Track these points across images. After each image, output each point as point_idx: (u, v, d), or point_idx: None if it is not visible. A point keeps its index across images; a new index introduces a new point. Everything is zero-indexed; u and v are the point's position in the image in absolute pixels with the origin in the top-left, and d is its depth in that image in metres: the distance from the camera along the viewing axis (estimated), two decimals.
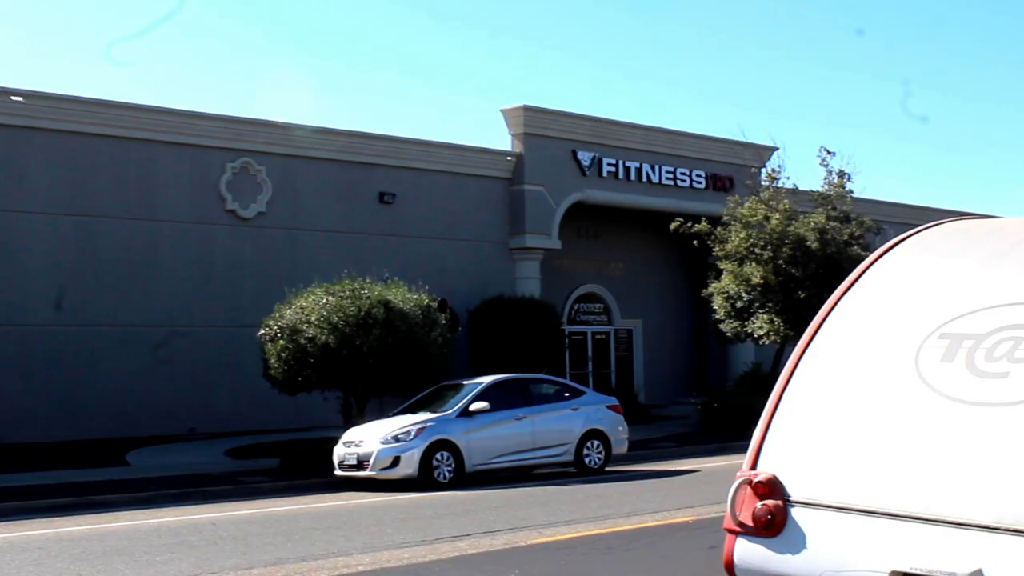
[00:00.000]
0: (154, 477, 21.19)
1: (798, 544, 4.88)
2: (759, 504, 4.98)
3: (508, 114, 33.65)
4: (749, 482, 5.08)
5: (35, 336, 25.60)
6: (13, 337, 25.25)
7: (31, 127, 25.88)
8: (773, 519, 4.94)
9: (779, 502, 4.97)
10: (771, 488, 5.01)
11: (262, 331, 23.24)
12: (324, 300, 22.90)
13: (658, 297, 38.97)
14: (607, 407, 22.96)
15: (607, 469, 22.01)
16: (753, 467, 5.16)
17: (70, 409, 25.66)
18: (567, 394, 22.79)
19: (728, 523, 5.11)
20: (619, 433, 22.63)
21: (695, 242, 30.27)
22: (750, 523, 5.01)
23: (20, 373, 25.20)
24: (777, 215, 29.41)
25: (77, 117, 26.46)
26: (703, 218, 30.47)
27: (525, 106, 33.48)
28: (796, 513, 4.94)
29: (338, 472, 20.85)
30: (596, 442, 22.15)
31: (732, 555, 5.09)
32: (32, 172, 25.93)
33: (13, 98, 25.77)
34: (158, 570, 11.56)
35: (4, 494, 18.84)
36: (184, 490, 19.64)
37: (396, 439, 20.26)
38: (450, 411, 21.06)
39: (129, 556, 12.78)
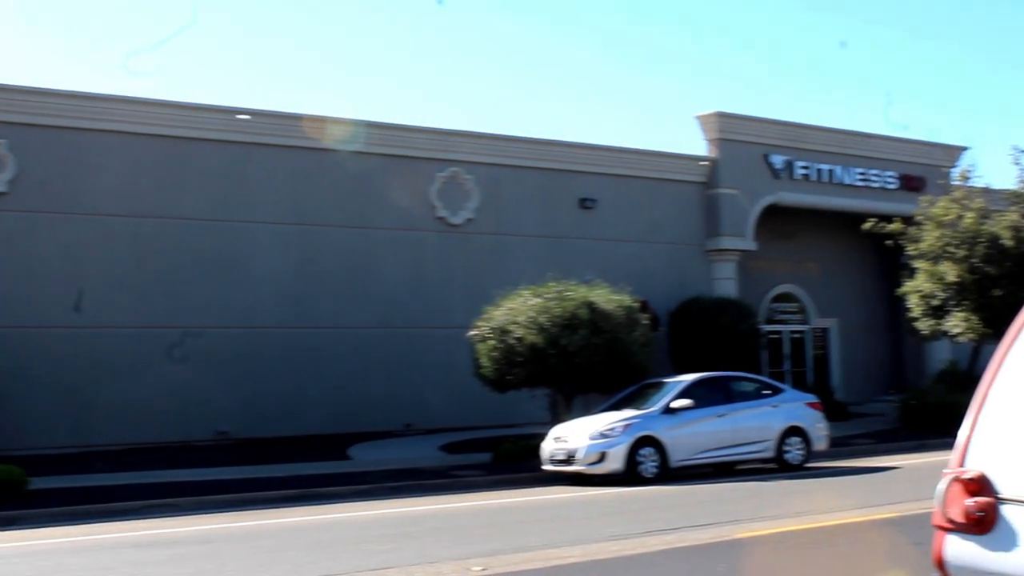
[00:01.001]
0: (374, 471, 21.69)
1: (1010, 542, 4.75)
2: (969, 501, 4.87)
3: (703, 120, 33.51)
4: (958, 479, 4.96)
5: (263, 338, 26.51)
6: (243, 340, 26.24)
7: (256, 143, 26.90)
8: (984, 517, 4.82)
9: (990, 499, 4.85)
10: (981, 485, 4.89)
11: (473, 332, 23.65)
12: (531, 302, 23.18)
13: (853, 296, 38.14)
14: (807, 404, 22.58)
15: (807, 465, 21.65)
16: (961, 464, 5.04)
17: (295, 406, 26.50)
18: (766, 391, 22.49)
19: (938, 520, 5.00)
20: (819, 430, 22.22)
21: (888, 242, 29.60)
22: (961, 520, 4.89)
23: (251, 373, 26.17)
24: (971, 214, 28.56)
25: (299, 133, 27.35)
26: (895, 218, 29.84)
27: (719, 112, 33.30)
28: (1007, 510, 4.81)
29: (546, 467, 21.02)
30: (796, 438, 21.78)
31: (943, 552, 4.99)
32: (257, 185, 26.88)
33: (239, 116, 26.85)
34: (383, 559, 11.83)
35: (236, 486, 19.58)
36: (402, 483, 20.07)
37: (603, 435, 20.32)
38: (654, 408, 21.01)
39: (355, 546, 13.14)
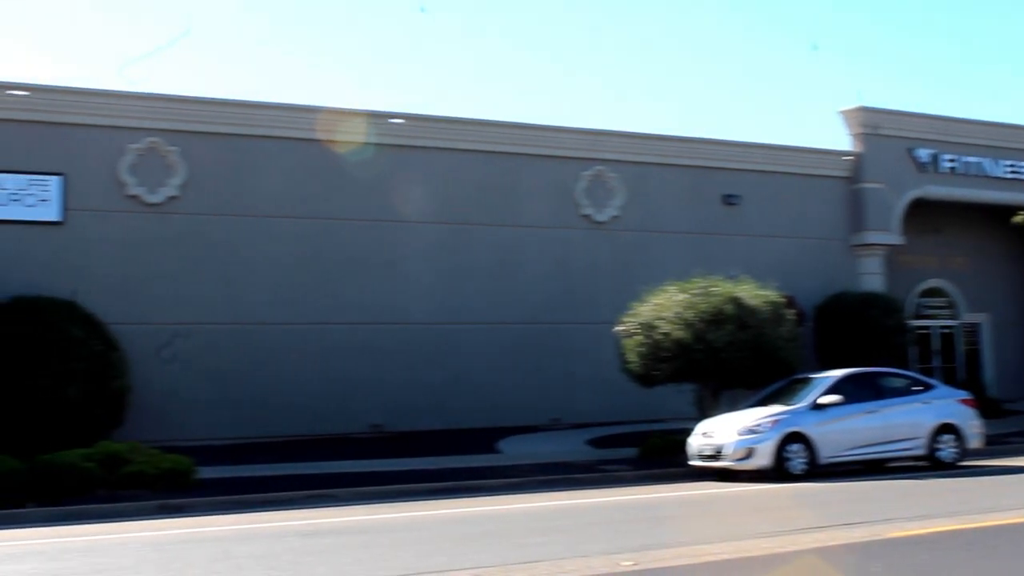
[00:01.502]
0: (523, 464, 21.61)
1: None
2: None
3: (847, 115, 32.74)
4: None
5: (415, 334, 26.70)
6: (397, 335, 26.45)
7: (409, 146, 27.07)
8: None
9: None
10: None
11: (620, 327, 23.39)
12: (677, 297, 22.81)
13: (1005, 290, 36.72)
14: (959, 401, 21.74)
15: (961, 464, 20.81)
16: None
17: (445, 400, 26.59)
18: (917, 388, 21.71)
19: None
20: (972, 427, 21.35)
21: None
22: None
23: (403, 368, 26.35)
24: None
25: (449, 135, 27.51)
26: None
27: (863, 107, 32.55)
28: None
29: (693, 462, 20.66)
30: (949, 436, 20.95)
31: None
32: (410, 187, 27.05)
33: (392, 121, 27.06)
34: (534, 552, 11.68)
35: (391, 477, 19.71)
36: (550, 477, 19.92)
37: (750, 431, 19.87)
38: (802, 404, 20.47)
39: (505, 539, 13.01)
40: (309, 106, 26.51)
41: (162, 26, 65.69)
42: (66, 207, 23.70)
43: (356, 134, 26.37)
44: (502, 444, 24.98)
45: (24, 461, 17.71)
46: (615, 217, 29.36)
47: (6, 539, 14.08)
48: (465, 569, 10.70)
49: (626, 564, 10.67)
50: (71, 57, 67.03)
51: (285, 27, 69.17)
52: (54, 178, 23.65)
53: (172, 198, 24.65)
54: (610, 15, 73.43)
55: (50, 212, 23.62)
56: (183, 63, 64.86)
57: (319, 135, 25.99)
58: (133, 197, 24.36)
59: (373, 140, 26.57)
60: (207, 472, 19.10)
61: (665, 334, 22.32)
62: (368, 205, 26.57)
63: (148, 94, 25.11)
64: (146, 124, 24.55)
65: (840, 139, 32.96)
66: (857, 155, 32.57)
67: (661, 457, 22.31)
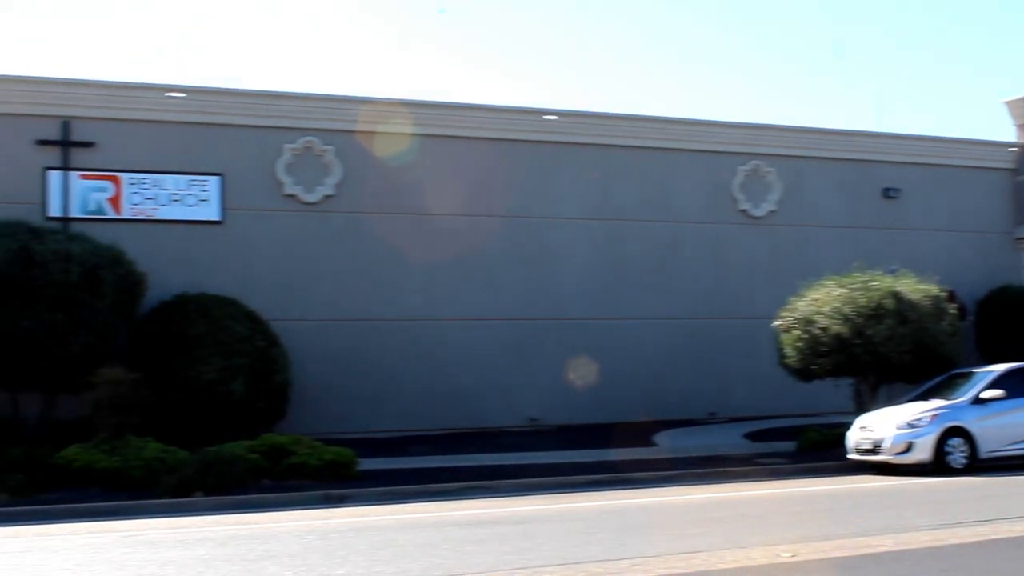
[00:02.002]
0: (680, 458, 21.68)
1: None
2: None
3: (1011, 105, 31.93)
4: None
5: (571, 329, 26.98)
6: (553, 330, 26.81)
7: (563, 143, 27.38)
8: None
9: None
10: None
11: (778, 322, 23.35)
12: (836, 292, 22.67)
13: None
14: None
15: None
16: None
17: (601, 394, 26.75)
18: None
19: None
20: None
21: None
22: None
23: (560, 362, 26.55)
24: None
25: (603, 131, 27.74)
26: None
27: None
28: None
29: (851, 456, 20.53)
30: None
31: None
32: (565, 183, 27.40)
33: (546, 118, 27.42)
34: (692, 543, 11.80)
35: (548, 470, 20.00)
36: (708, 470, 20.03)
37: (910, 425, 19.70)
38: (963, 399, 20.20)
39: (663, 529, 13.18)
40: (462, 104, 27.14)
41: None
42: (225, 206, 24.64)
43: (512, 131, 26.82)
44: (658, 437, 25.09)
45: (192, 452, 18.51)
46: (772, 212, 29.25)
47: (178, 526, 14.79)
48: (625, 559, 10.89)
49: (785, 555, 10.75)
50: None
51: (424, 26, 70.25)
52: (213, 178, 24.61)
53: (328, 197, 25.39)
54: (741, 10, 72.63)
55: (210, 212, 24.61)
56: (316, 62, 66.35)
57: (472, 132, 26.52)
58: (290, 196, 25.18)
59: (526, 137, 27.00)
60: (368, 464, 19.64)
61: (823, 329, 22.22)
62: (522, 201, 26.97)
63: (303, 94, 25.87)
64: (302, 124, 25.33)
65: (1007, 130, 32.08)
66: (1022, 146, 31.76)
67: (819, 451, 22.20)
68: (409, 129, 26.04)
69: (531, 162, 27.10)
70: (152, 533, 14.04)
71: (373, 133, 25.75)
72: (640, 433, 25.11)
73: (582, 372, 26.44)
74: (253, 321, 23.05)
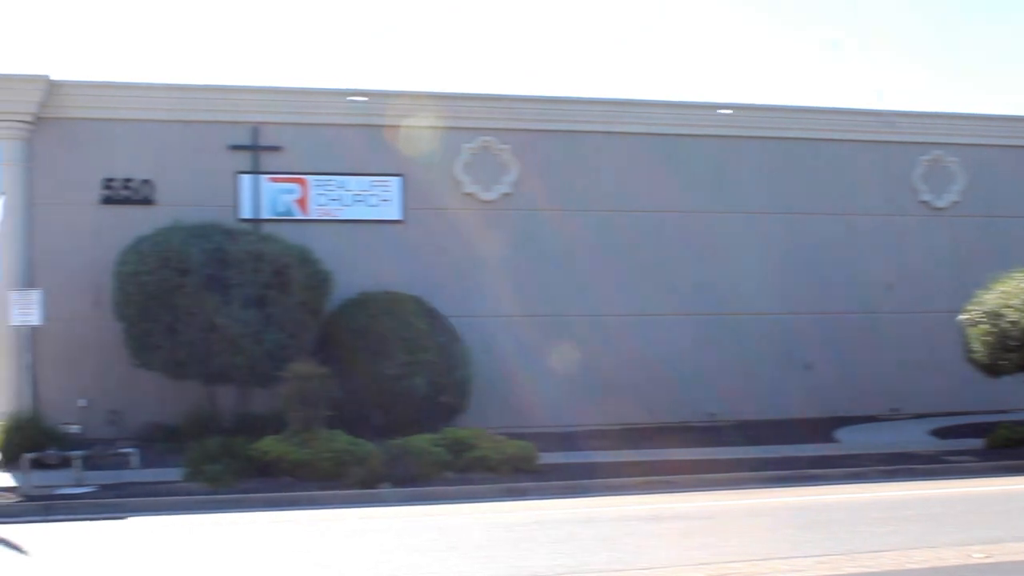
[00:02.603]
0: (863, 454, 21.23)
1: None
2: None
3: None
4: None
5: (749, 324, 26.70)
6: (731, 325, 26.56)
7: (737, 136, 27.08)
8: None
9: None
10: None
11: (963, 316, 22.68)
12: None
13: None
14: None
15: None
16: None
17: (780, 389, 26.43)
18: None
19: None
20: None
21: None
22: None
23: (738, 357, 26.42)
24: None
25: (778, 124, 27.30)
26: None
27: None
28: None
29: None
30: None
31: None
32: (740, 177, 27.12)
33: (720, 111, 27.17)
34: (880, 541, 11.66)
35: (729, 465, 19.80)
36: (893, 467, 19.56)
37: None
38: None
39: (850, 527, 13.00)
40: (636, 100, 27.13)
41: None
42: (406, 206, 25.09)
43: (686, 126, 26.68)
44: (839, 433, 24.61)
45: (378, 445, 18.94)
46: (955, 203, 28.37)
47: (367, 516, 15.24)
48: (811, 556, 10.82)
49: (978, 556, 10.51)
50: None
51: (593, 21, 70.25)
52: (394, 179, 25.08)
53: (505, 195, 25.66)
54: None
55: (392, 211, 25.11)
56: (487, 63, 66.97)
57: (650, 128, 26.43)
58: (469, 195, 25.51)
59: (701, 132, 26.82)
60: (548, 458, 19.81)
61: (1013, 323, 21.46)
62: (698, 197, 26.78)
63: (480, 95, 26.22)
64: (479, 124, 25.60)
65: None
66: None
67: (1011, 448, 21.46)
68: (584, 127, 26.15)
69: (706, 157, 26.90)
70: (342, 523, 14.48)
71: (548, 131, 25.93)
72: (821, 429, 24.70)
73: (756, 366, 26.21)
74: (434, 318, 23.49)
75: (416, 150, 25.18)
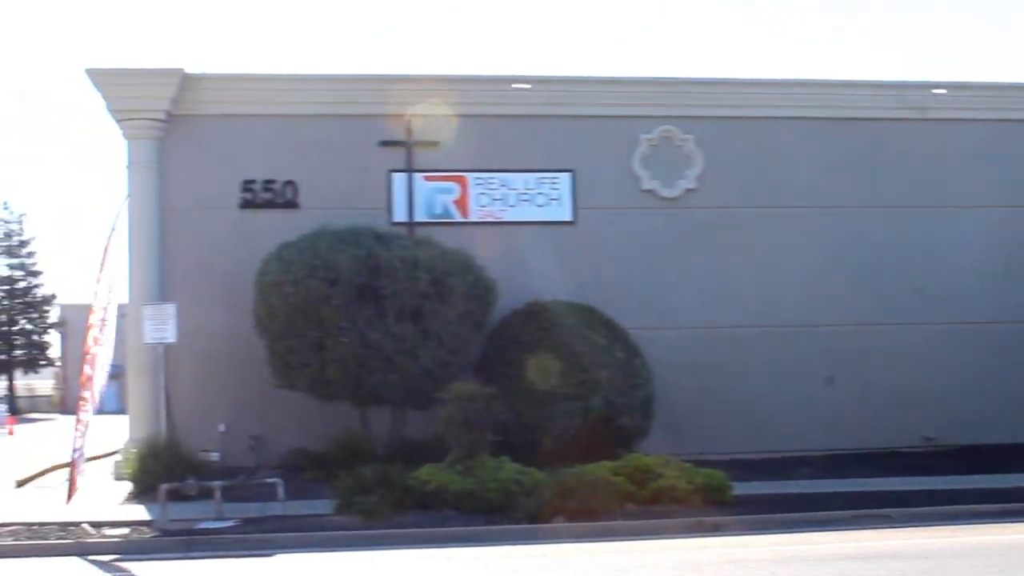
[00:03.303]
0: None
1: None
2: None
3: None
4: None
5: (970, 335, 26.19)
6: (953, 335, 26.13)
7: (953, 119, 26.64)
8: None
9: None
10: None
11: None
12: None
13: None
14: None
15: None
16: None
17: (1009, 410, 25.83)
18: None
19: None
20: None
21: None
22: None
23: (958, 373, 25.96)
24: None
25: (1000, 104, 26.77)
26: None
27: None
28: None
29: None
30: None
31: None
32: (955, 166, 26.67)
33: (935, 91, 26.67)
34: None
35: (948, 496, 19.19)
36: None
37: None
38: None
39: None
40: (839, 80, 26.85)
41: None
42: (577, 205, 25.30)
43: (895, 109, 26.24)
44: None
45: (550, 474, 18.97)
46: None
47: (538, 554, 15.21)
48: None
49: None
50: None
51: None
52: (564, 175, 25.33)
53: (689, 191, 25.65)
54: None
55: (562, 211, 25.36)
56: (667, 46, 66.71)
57: (853, 113, 26.17)
58: (648, 192, 25.59)
59: (906, 115, 26.38)
60: (742, 488, 19.56)
61: None
62: (906, 189, 26.34)
63: (660, 79, 26.25)
64: (659, 111, 25.65)
65: None
66: None
67: None
68: (776, 112, 25.99)
69: (914, 143, 26.44)
70: (509, 562, 14.59)
71: (736, 118, 25.82)
72: None
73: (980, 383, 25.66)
74: (611, 330, 23.54)
75: (588, 142, 25.40)
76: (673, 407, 23.95)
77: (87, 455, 21.14)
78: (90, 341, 20.58)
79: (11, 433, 43.10)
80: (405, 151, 24.79)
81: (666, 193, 25.66)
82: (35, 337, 75.80)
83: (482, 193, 25.13)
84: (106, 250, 21.58)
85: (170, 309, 21.44)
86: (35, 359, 75.47)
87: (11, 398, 70.03)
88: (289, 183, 24.53)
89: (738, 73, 25.89)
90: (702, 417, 24.61)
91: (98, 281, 21.05)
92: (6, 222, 74.88)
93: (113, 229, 22.41)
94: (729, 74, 28.12)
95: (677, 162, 25.71)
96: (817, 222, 26.06)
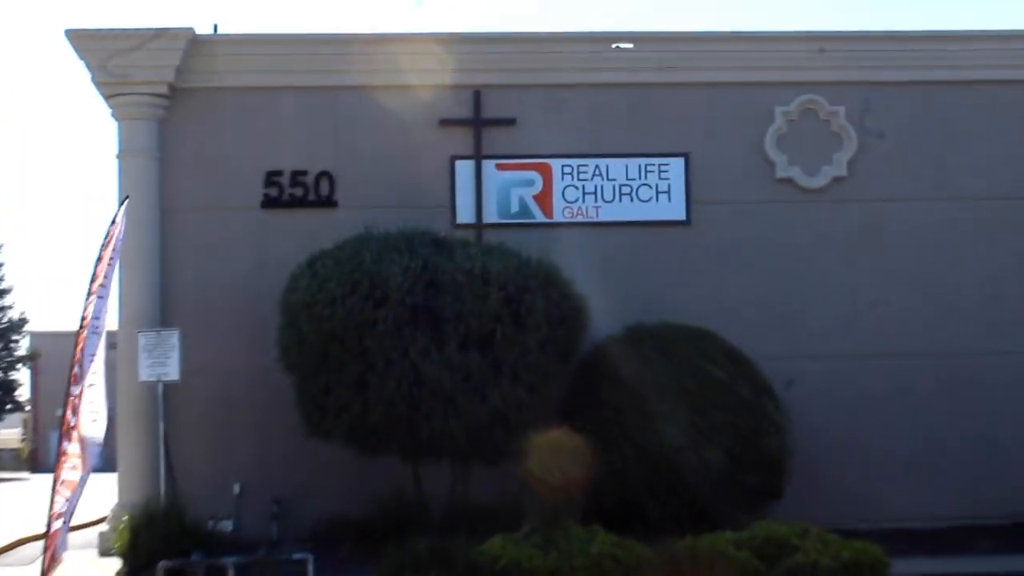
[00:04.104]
0: None
1: None
2: None
3: None
4: None
5: None
6: None
7: None
8: None
9: None
10: None
11: None
12: None
13: None
14: None
15: None
16: None
17: None
18: None
19: None
20: None
21: None
22: None
23: None
24: None
25: None
26: None
27: None
28: None
29: None
30: None
31: None
32: None
33: None
34: None
35: None
36: None
37: None
38: None
39: None
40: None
41: None
42: (691, 199, 25.18)
43: None
44: None
45: (654, 547, 18.73)
46: None
47: None
48: None
49: None
50: None
51: None
52: (675, 160, 25.19)
53: (838, 180, 25.42)
54: None
55: (672, 208, 25.23)
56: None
57: None
58: (784, 181, 25.35)
59: None
60: (901, 566, 19.23)
61: None
62: None
63: (799, 33, 26.01)
64: (799, 77, 25.42)
65: None
66: None
67: None
68: (955, 74, 25.61)
69: None
70: None
71: (901, 83, 25.54)
72: None
73: None
74: (734, 361, 23.20)
75: (707, 119, 25.31)
76: (813, 461, 23.58)
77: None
78: (77, 377, 20.39)
79: None
80: (472, 132, 24.81)
81: (808, 183, 25.43)
82: None
83: (571, 185, 25.09)
84: (101, 260, 21.32)
85: (172, 338, 21.43)
86: None
87: None
88: (324, 175, 24.58)
89: (899, 25, 25.43)
90: (850, 473, 24.32)
91: (89, 296, 20.62)
92: None
93: (109, 237, 22.31)
94: (888, 26, 27.50)
95: (823, 143, 25.49)
96: (1007, 218, 25.73)
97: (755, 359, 23.47)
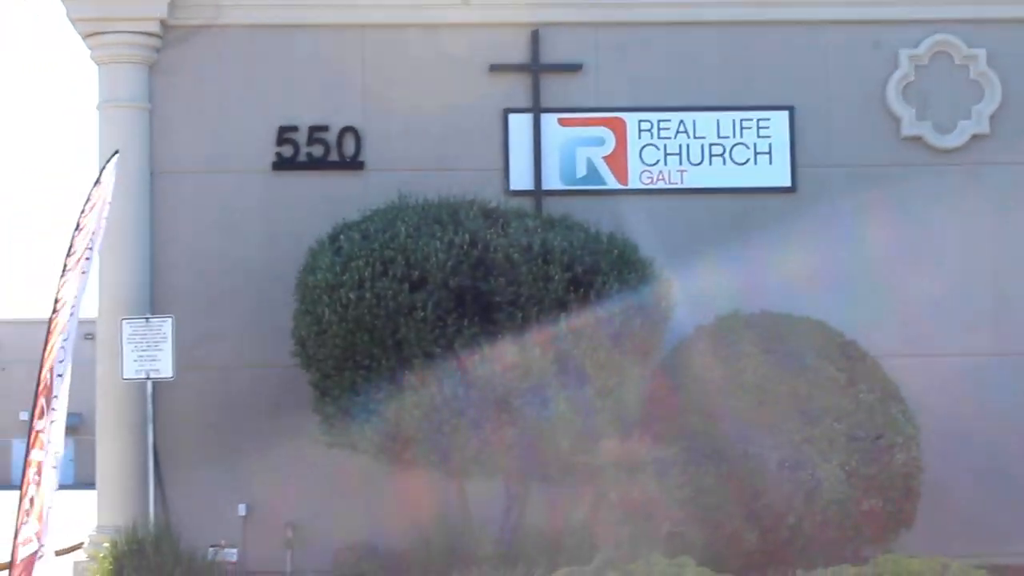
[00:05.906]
0: None
1: None
2: None
3: None
4: None
5: None
6: None
7: None
8: None
9: None
10: None
11: None
12: None
13: None
14: None
15: None
16: None
17: None
18: None
19: None
20: None
21: None
22: None
23: None
24: None
25: None
26: None
27: None
28: None
29: None
30: None
31: None
32: None
33: None
34: None
35: None
36: None
37: None
38: None
39: None
40: None
41: None
42: (797, 162, 24.94)
43: None
44: None
45: None
46: None
47: None
48: None
49: None
50: None
51: None
52: (776, 114, 24.98)
53: (978, 137, 25.16)
54: None
55: (773, 173, 25.03)
56: None
57: None
58: (912, 139, 25.07)
59: None
60: None
61: None
62: None
63: None
64: (929, 13, 25.09)
65: None
66: None
67: None
68: None
69: None
70: None
71: None
72: None
73: None
74: (851, 358, 22.84)
75: (815, 64, 25.12)
76: (949, 482, 23.41)
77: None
78: (46, 375, 20.08)
79: None
80: (530, 80, 24.62)
81: (942, 142, 25.13)
82: None
83: (649, 144, 24.86)
84: (80, 229, 20.97)
85: (164, 327, 21.35)
86: None
87: None
88: (348, 130, 24.38)
89: None
90: (993, 497, 24.10)
91: (65, 273, 20.27)
92: None
93: (91, 201, 21.95)
94: None
95: (959, 93, 25.24)
96: None
97: (880, 356, 23.13)
